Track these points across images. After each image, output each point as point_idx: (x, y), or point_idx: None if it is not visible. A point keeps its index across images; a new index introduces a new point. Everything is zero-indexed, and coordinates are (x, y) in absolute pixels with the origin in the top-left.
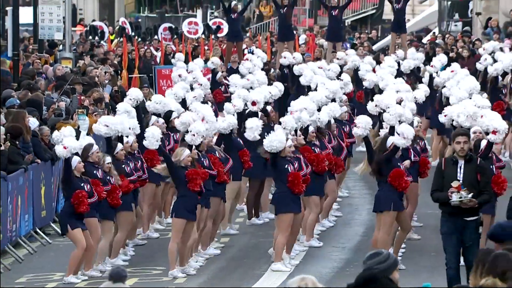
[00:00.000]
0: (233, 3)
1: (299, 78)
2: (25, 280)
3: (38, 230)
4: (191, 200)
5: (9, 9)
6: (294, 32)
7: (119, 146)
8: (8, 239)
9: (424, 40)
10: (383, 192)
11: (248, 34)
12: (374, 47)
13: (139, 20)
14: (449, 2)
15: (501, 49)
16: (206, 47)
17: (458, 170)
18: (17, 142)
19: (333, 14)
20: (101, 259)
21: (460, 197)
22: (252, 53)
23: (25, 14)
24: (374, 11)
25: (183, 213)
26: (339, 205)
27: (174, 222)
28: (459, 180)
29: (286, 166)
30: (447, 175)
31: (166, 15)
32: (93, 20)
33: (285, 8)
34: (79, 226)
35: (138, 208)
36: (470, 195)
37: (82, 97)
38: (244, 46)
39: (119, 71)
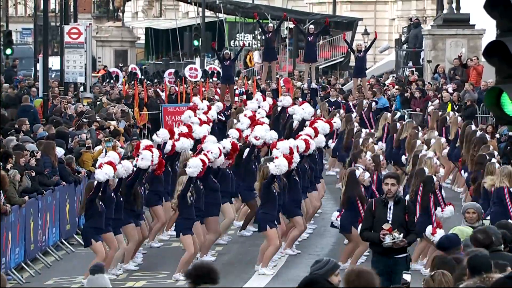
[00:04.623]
0: (226, 52)
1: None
2: (53, 282)
3: (63, 240)
4: (190, 220)
5: (40, 57)
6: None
7: None
8: (38, 248)
9: (386, 82)
10: (344, 217)
11: (239, 78)
12: (343, 87)
13: (147, 66)
14: (404, 52)
15: (447, 90)
16: (203, 89)
17: (388, 211)
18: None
19: (309, 39)
20: (116, 262)
21: (393, 239)
22: (242, 94)
23: (54, 62)
24: (342, 59)
25: (189, 230)
26: (313, 220)
27: (184, 239)
28: (389, 221)
29: (274, 191)
30: (377, 216)
31: (170, 62)
32: (119, 67)
33: (270, 33)
34: (99, 239)
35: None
36: (401, 236)
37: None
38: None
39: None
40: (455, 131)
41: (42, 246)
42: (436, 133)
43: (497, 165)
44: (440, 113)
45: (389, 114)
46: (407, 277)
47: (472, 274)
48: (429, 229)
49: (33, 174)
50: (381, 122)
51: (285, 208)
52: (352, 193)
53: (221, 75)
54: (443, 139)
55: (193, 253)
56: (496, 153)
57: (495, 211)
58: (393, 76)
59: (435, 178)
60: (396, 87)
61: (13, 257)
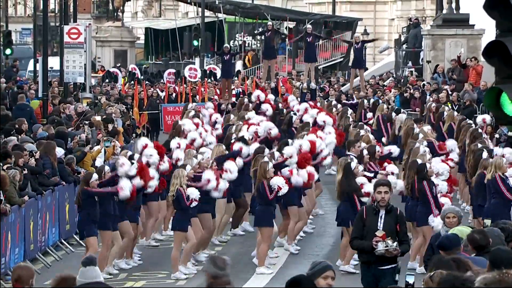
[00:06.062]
0: (225, 46)
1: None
2: None
3: (63, 240)
4: (187, 215)
5: (39, 57)
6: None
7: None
8: (38, 248)
9: (386, 83)
10: (342, 210)
11: (238, 78)
12: (342, 88)
13: (147, 66)
14: (404, 52)
15: (446, 91)
16: (202, 89)
17: (379, 219)
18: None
19: (308, 40)
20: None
21: (386, 246)
22: (239, 94)
23: (53, 62)
24: (341, 59)
25: (184, 227)
26: (312, 220)
27: (176, 235)
28: (379, 230)
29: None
30: (368, 224)
31: (170, 62)
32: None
33: (269, 32)
34: (93, 234)
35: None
36: (395, 244)
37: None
38: (233, 87)
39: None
40: (448, 124)
41: (42, 246)
42: (428, 126)
43: (491, 159)
44: (435, 105)
45: (384, 105)
46: (410, 279)
47: (492, 267)
48: (431, 218)
49: (25, 171)
50: (376, 113)
51: (285, 196)
52: (347, 184)
53: (220, 70)
54: (427, 127)
55: (177, 250)
56: (492, 146)
57: (495, 203)
58: (393, 77)
59: (428, 165)
60: (393, 90)
61: (12, 257)
